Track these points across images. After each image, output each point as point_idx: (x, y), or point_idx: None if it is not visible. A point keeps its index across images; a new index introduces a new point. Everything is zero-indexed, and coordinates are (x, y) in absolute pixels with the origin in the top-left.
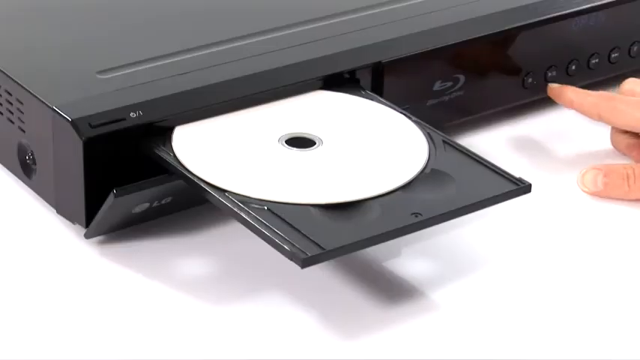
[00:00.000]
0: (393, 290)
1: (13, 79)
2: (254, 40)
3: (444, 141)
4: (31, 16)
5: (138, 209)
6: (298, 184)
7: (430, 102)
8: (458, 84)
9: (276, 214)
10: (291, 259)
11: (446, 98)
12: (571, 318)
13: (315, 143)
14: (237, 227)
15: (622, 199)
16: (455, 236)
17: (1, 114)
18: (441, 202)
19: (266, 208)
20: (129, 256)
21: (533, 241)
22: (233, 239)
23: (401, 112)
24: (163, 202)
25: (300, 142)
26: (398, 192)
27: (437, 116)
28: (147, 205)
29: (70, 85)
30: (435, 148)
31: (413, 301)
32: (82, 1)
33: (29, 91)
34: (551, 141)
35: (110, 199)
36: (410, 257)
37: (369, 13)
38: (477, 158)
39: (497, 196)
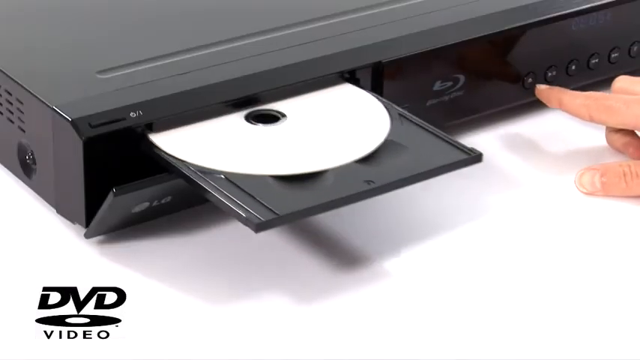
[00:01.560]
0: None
1: (13, 79)
2: (254, 40)
3: (400, 114)
4: (31, 16)
5: (138, 209)
6: (258, 157)
7: (430, 102)
8: (458, 84)
9: (234, 183)
10: (246, 224)
11: (446, 98)
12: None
13: (279, 119)
14: (237, 227)
15: (620, 197)
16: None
17: (1, 114)
18: (394, 170)
19: (223, 177)
20: (129, 256)
21: (529, 238)
22: (233, 239)
23: (364, 90)
24: (163, 201)
25: (264, 118)
26: (353, 162)
27: (437, 116)
28: (147, 204)
29: (70, 85)
30: (392, 120)
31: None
32: (82, 1)
33: (29, 91)
34: (551, 141)
35: (110, 198)
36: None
37: (369, 13)
38: (431, 130)
39: (448, 164)
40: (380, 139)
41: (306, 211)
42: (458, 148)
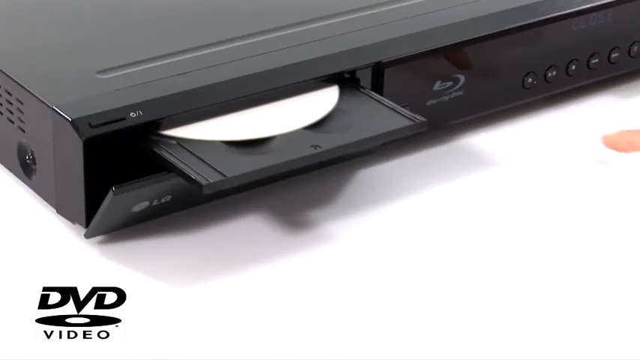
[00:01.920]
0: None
1: (13, 79)
2: (254, 40)
3: (350, 85)
4: (31, 16)
5: (137, 208)
6: (212, 125)
7: (430, 102)
8: (458, 84)
9: (185, 148)
10: (195, 186)
11: (446, 98)
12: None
13: None
14: (237, 227)
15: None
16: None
17: (1, 114)
18: (341, 136)
19: (175, 142)
20: (129, 256)
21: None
22: (233, 239)
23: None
24: (163, 200)
25: None
26: (301, 129)
27: (437, 116)
28: (146, 203)
29: (70, 85)
30: (341, 89)
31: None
32: (82, 1)
33: (29, 91)
34: (550, 141)
35: (109, 196)
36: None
37: (369, 13)
38: (379, 100)
39: (392, 130)
40: (328, 107)
41: (254, 174)
42: (404, 116)
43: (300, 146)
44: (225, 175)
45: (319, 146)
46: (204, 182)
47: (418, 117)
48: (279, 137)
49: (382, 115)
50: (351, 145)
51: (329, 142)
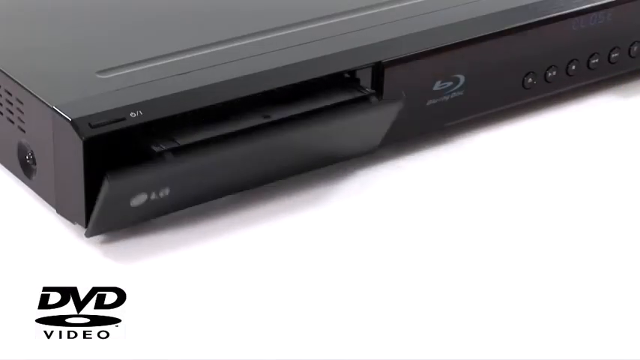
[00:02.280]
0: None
1: (13, 79)
2: (254, 40)
3: None
4: (31, 16)
5: (135, 202)
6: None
7: (430, 102)
8: (458, 84)
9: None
10: (150, 154)
11: (446, 98)
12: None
13: None
14: (236, 227)
15: None
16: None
17: (1, 114)
18: (291, 107)
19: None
20: (129, 256)
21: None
22: (233, 239)
23: None
24: (161, 195)
25: None
26: (255, 100)
27: (437, 116)
28: (144, 197)
29: (70, 85)
30: None
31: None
32: (82, 1)
33: (29, 91)
34: (550, 141)
35: (105, 184)
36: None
37: (369, 13)
38: (343, 80)
39: (340, 102)
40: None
41: (206, 142)
42: (357, 89)
43: (252, 117)
44: (178, 143)
45: (269, 116)
46: (157, 150)
47: (369, 89)
48: (238, 111)
49: (338, 91)
50: (299, 115)
51: (279, 113)
